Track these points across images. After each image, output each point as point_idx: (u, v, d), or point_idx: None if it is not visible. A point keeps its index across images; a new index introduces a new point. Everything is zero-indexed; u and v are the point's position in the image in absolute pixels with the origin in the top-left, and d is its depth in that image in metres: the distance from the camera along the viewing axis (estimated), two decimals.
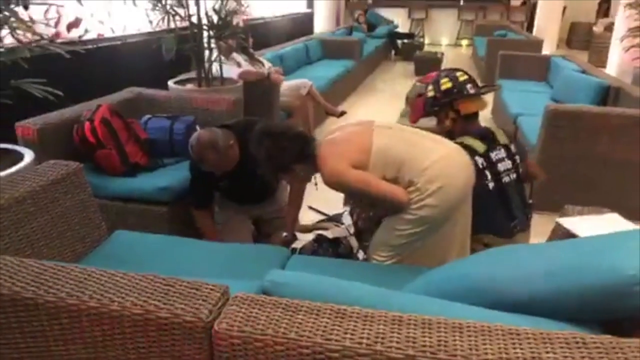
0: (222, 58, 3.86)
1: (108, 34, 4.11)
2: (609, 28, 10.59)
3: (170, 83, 3.82)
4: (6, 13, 2.18)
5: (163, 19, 3.59)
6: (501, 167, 2.14)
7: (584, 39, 11.38)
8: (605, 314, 1.07)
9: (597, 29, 11.81)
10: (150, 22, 3.93)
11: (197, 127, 3.02)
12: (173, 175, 2.67)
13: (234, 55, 4.15)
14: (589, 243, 1.15)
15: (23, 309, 1.14)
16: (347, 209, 2.59)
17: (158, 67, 3.94)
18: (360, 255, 2.32)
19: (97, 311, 1.10)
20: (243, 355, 1.00)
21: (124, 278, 1.17)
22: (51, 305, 1.12)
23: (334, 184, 1.86)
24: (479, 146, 2.13)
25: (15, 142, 2.51)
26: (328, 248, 2.38)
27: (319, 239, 2.42)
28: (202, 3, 3.67)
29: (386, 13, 12.79)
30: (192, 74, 3.96)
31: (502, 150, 2.18)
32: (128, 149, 2.71)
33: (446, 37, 13.91)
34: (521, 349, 0.93)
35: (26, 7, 2.39)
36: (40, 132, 2.49)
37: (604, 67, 5.83)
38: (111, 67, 4.01)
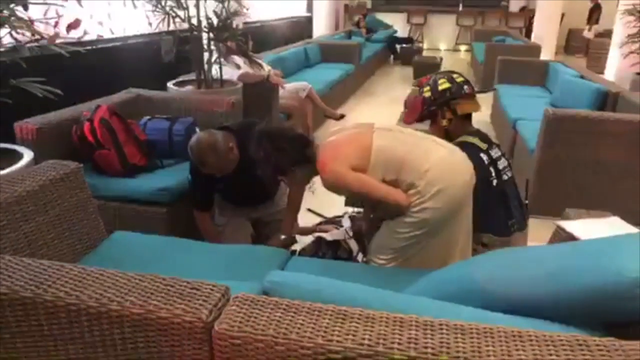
0: (222, 60, 3.86)
1: (107, 35, 4.11)
2: (601, 35, 10.69)
3: (170, 84, 3.82)
4: (6, 12, 2.18)
5: (163, 20, 3.59)
6: (500, 165, 2.18)
7: (582, 45, 11.43)
8: (607, 317, 1.06)
9: (587, 34, 11.92)
10: (150, 24, 3.93)
11: (197, 129, 3.01)
12: (172, 177, 2.67)
13: (234, 57, 4.15)
14: (590, 246, 1.15)
15: (21, 308, 1.13)
16: (348, 210, 2.59)
17: (157, 68, 3.94)
18: (360, 258, 2.31)
19: (96, 311, 1.09)
20: (243, 355, 0.99)
21: (124, 278, 1.17)
22: (50, 304, 1.11)
23: (334, 187, 1.86)
24: (482, 144, 2.18)
25: (14, 142, 2.51)
26: (327, 250, 2.37)
27: (318, 242, 2.42)
28: (202, 5, 3.68)
29: (385, 18, 12.83)
30: (192, 76, 3.96)
31: (497, 149, 2.24)
32: (127, 149, 2.70)
33: (445, 43, 13.96)
34: (524, 351, 0.92)
35: (26, 8, 2.38)
36: (39, 132, 2.48)
37: (602, 73, 5.86)
38: (110, 69, 4.00)
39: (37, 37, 2.34)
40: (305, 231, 2.62)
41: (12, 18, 2.14)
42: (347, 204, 2.31)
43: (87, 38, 3.86)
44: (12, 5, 2.17)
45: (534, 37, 8.95)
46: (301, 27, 9.35)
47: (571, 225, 1.50)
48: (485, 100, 6.05)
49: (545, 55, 7.96)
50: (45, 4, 2.91)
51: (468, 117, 2.28)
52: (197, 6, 3.63)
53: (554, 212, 3.14)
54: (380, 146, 1.84)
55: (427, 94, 2.27)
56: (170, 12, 3.58)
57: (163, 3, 3.53)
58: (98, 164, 2.65)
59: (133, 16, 4.30)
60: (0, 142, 2.48)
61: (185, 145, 2.88)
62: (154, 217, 2.53)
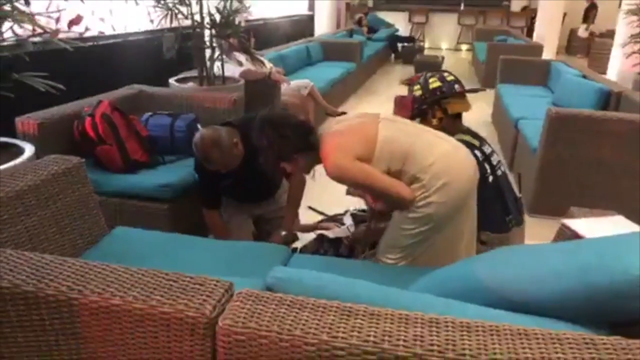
0: (224, 57, 3.85)
1: (109, 31, 4.10)
2: (603, 35, 10.69)
3: (172, 81, 3.81)
4: (7, 7, 2.17)
5: (165, 16, 3.57)
6: (494, 160, 2.19)
7: (583, 45, 11.42)
8: (613, 315, 1.06)
9: (583, 34, 11.92)
10: (152, 21, 3.92)
11: (198, 125, 3.01)
12: (174, 173, 2.66)
13: (236, 54, 4.14)
14: (596, 244, 1.14)
15: (23, 302, 1.12)
16: (349, 208, 2.58)
17: (159, 65, 3.94)
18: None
19: (98, 305, 1.08)
20: (247, 351, 0.98)
21: (126, 272, 1.16)
22: (52, 299, 1.10)
23: (337, 176, 1.82)
24: (474, 141, 2.18)
25: (15, 136, 2.50)
26: (329, 248, 2.37)
27: (320, 239, 2.41)
28: (204, 2, 3.66)
29: (386, 17, 12.82)
30: (194, 73, 3.95)
31: (488, 145, 2.24)
32: (129, 145, 2.69)
33: (446, 42, 13.94)
34: (530, 349, 0.91)
35: (27, 3, 2.37)
36: (41, 127, 2.48)
37: (604, 73, 5.85)
38: (112, 65, 3.99)
39: (39, 31, 2.33)
40: (307, 229, 2.62)
41: (15, 12, 2.13)
42: (348, 192, 2.30)
43: (88, 34, 3.85)
44: (15, 1, 2.16)
45: (535, 37, 8.94)
46: (303, 26, 9.34)
47: (576, 224, 1.49)
48: (486, 100, 6.07)
49: (547, 55, 7.95)
50: None
51: (458, 116, 2.28)
52: (199, 3, 3.62)
53: (556, 211, 3.14)
54: (385, 137, 1.81)
55: (418, 93, 2.27)
56: (173, 8, 3.56)
57: None
58: (99, 159, 2.64)
59: (135, 13, 4.29)
60: (1, 137, 2.47)
61: (187, 141, 2.89)
62: (155, 213, 2.52)
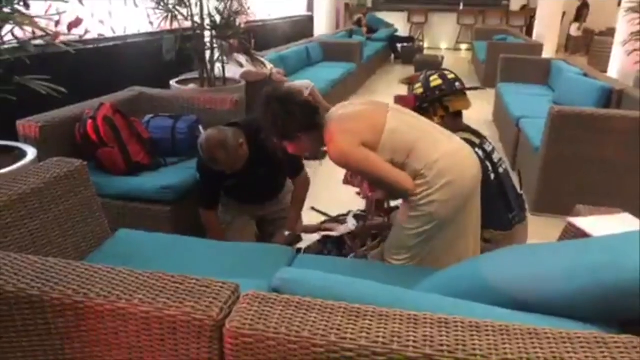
0: (225, 58, 3.84)
1: (109, 34, 4.09)
2: (603, 33, 10.70)
3: (173, 83, 3.81)
4: (8, 10, 2.16)
5: (165, 18, 3.57)
6: (495, 158, 2.19)
7: (577, 44, 11.42)
8: (624, 314, 1.05)
9: (575, 33, 11.95)
10: (151, 23, 3.91)
11: (200, 127, 3.00)
12: (176, 175, 2.65)
13: (236, 55, 4.13)
14: (606, 242, 1.13)
15: (28, 306, 1.11)
16: (352, 209, 2.57)
17: (160, 66, 3.93)
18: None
19: (103, 309, 1.07)
20: (255, 354, 0.97)
21: (132, 275, 1.15)
22: (57, 302, 1.09)
23: (339, 160, 1.80)
24: (475, 139, 2.19)
25: (17, 140, 2.49)
26: (332, 249, 2.36)
27: (324, 240, 2.40)
28: (205, 3, 3.66)
29: (386, 17, 12.81)
30: (195, 74, 3.95)
31: (489, 142, 2.24)
32: (130, 147, 2.68)
33: (445, 41, 13.94)
34: (541, 348, 0.91)
35: (27, 6, 2.36)
36: (42, 130, 2.47)
37: (604, 71, 5.84)
38: (113, 67, 3.99)
39: (39, 34, 2.32)
40: (310, 229, 2.61)
41: (16, 14, 2.12)
42: (345, 182, 2.28)
43: (88, 37, 3.84)
44: (15, 2, 2.15)
45: (535, 36, 8.93)
46: (302, 26, 9.33)
47: (582, 222, 1.48)
48: (487, 99, 6.06)
49: (547, 53, 7.94)
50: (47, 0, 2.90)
51: (459, 114, 2.28)
52: (200, 4, 3.62)
53: (559, 210, 3.13)
54: (393, 128, 1.79)
55: (420, 91, 2.27)
56: (173, 10, 3.56)
57: (166, 1, 3.50)
58: (101, 162, 2.63)
59: (134, 15, 4.29)
60: (3, 140, 2.46)
61: (189, 143, 2.89)
62: (158, 216, 2.51)
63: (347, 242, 2.36)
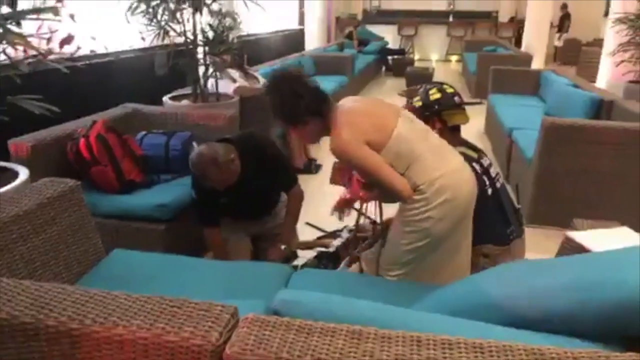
0: (218, 74, 3.84)
1: (101, 50, 4.08)
2: (591, 44, 10.86)
3: (166, 99, 3.79)
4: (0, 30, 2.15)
5: (158, 35, 3.56)
6: (492, 172, 2.19)
7: (573, 54, 11.57)
8: (627, 330, 1.04)
9: (557, 43, 12.14)
10: (143, 38, 3.90)
11: (194, 143, 2.98)
12: (170, 192, 2.63)
13: (229, 71, 4.13)
14: (607, 258, 1.13)
15: (22, 334, 1.08)
16: (348, 225, 2.56)
17: (153, 82, 3.92)
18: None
19: (100, 335, 1.05)
20: None
21: (129, 300, 1.13)
22: (52, 329, 1.07)
23: (340, 153, 1.76)
24: (472, 154, 2.19)
25: (8, 160, 2.46)
26: (328, 263, 2.35)
27: (320, 256, 2.39)
28: (197, 19, 3.66)
29: (376, 30, 12.91)
30: (188, 90, 3.94)
31: (486, 157, 2.24)
32: (124, 165, 2.66)
33: (436, 53, 14.07)
34: None
35: (19, 24, 2.35)
36: (34, 150, 2.44)
37: (593, 81, 5.91)
38: (105, 84, 3.97)
39: (32, 53, 2.31)
40: (306, 245, 2.59)
41: (7, 33, 2.11)
42: (332, 181, 2.26)
43: (80, 53, 3.82)
44: (7, 22, 2.13)
45: (524, 47, 9.04)
46: (294, 40, 9.38)
47: (581, 236, 1.48)
48: (478, 111, 6.09)
49: (536, 64, 8.03)
50: (39, 19, 2.88)
51: (457, 128, 2.29)
52: (193, 20, 3.62)
53: (553, 221, 3.14)
54: (400, 134, 1.76)
55: (418, 104, 2.27)
56: (165, 26, 3.56)
57: (159, 17, 3.50)
58: (94, 180, 2.61)
59: (126, 31, 4.28)
60: None
61: (183, 160, 2.87)
62: (152, 234, 2.49)
63: (341, 255, 2.35)
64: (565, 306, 1.07)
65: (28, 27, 2.57)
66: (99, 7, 4.00)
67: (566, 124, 3.18)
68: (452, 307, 1.25)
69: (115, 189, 2.61)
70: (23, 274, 1.60)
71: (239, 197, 2.33)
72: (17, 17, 2.24)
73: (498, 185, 2.17)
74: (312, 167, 4.55)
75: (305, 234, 2.92)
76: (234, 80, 4.06)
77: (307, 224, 3.12)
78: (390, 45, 12.43)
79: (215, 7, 3.72)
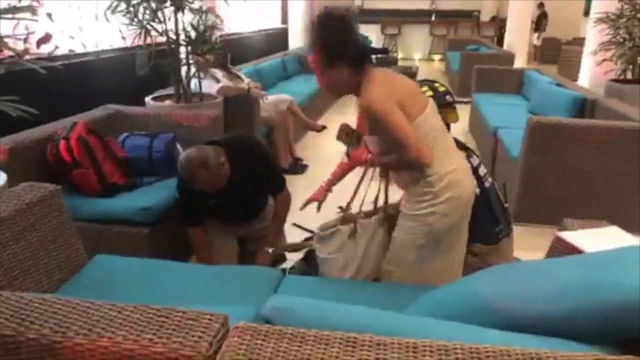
0: (201, 74, 3.78)
1: (79, 50, 3.99)
2: (570, 42, 11.02)
3: (148, 99, 3.72)
4: None
5: (139, 34, 3.49)
6: (481, 172, 2.18)
7: (552, 53, 11.73)
8: (623, 333, 1.03)
9: (536, 42, 12.32)
10: (124, 38, 3.83)
11: (177, 145, 2.93)
12: (153, 195, 2.57)
13: (212, 70, 4.07)
14: (601, 259, 1.12)
15: (2, 347, 1.04)
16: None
17: (135, 83, 3.84)
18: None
19: (84, 348, 1.01)
20: None
21: (113, 310, 1.09)
22: (33, 342, 1.02)
23: (369, 107, 1.70)
24: (462, 153, 2.15)
25: None
26: (317, 267, 2.31)
27: (307, 258, 2.36)
28: (179, 18, 3.60)
29: (360, 29, 12.86)
30: (170, 90, 3.87)
31: (475, 156, 2.24)
32: (106, 168, 2.60)
33: (419, 52, 14.13)
34: None
35: None
36: (12, 153, 2.36)
37: (574, 80, 5.98)
38: (85, 84, 3.88)
39: (8, 54, 2.23)
40: (293, 247, 2.56)
41: None
42: (339, 137, 2.19)
43: (58, 53, 3.73)
44: None
45: (506, 46, 9.12)
46: (277, 39, 9.32)
47: (571, 236, 1.48)
48: (463, 109, 6.12)
49: (518, 63, 8.11)
50: (15, 19, 2.80)
51: (447, 126, 2.27)
52: (175, 19, 3.55)
53: (539, 219, 3.16)
54: (431, 117, 1.76)
55: None
56: (147, 25, 3.49)
57: (140, 17, 3.43)
58: (75, 184, 2.54)
59: (106, 30, 4.19)
60: None
61: (166, 162, 2.82)
62: (136, 238, 2.43)
63: None
64: (561, 309, 1.05)
65: (4, 26, 2.50)
66: (77, 6, 3.91)
67: (551, 122, 3.20)
68: (447, 310, 1.24)
69: (97, 192, 2.55)
70: (2, 283, 1.54)
71: (227, 199, 2.29)
72: None
73: (487, 184, 2.17)
74: (297, 167, 4.52)
75: (292, 235, 2.88)
76: (218, 80, 4.01)
77: (294, 225, 3.09)
78: (374, 45, 12.44)
79: (196, 5, 3.66)
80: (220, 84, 4.03)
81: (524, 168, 3.28)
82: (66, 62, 3.69)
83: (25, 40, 3.33)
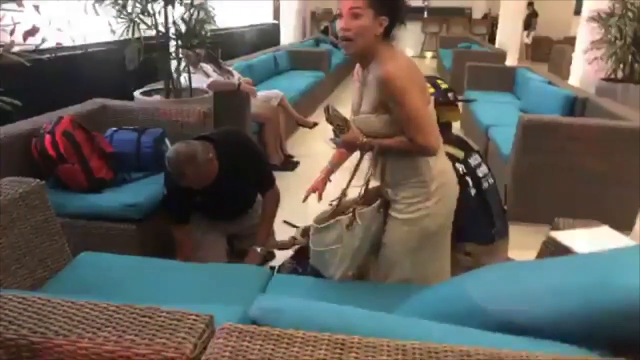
0: (191, 68, 3.73)
1: (67, 42, 3.93)
2: (561, 41, 11.09)
3: (137, 94, 3.67)
4: None
5: (128, 27, 3.44)
6: (480, 172, 2.16)
7: (543, 51, 11.79)
8: (615, 335, 1.02)
9: (526, 40, 12.39)
10: (113, 31, 3.76)
11: (166, 140, 2.89)
12: (141, 191, 2.53)
13: (202, 65, 4.03)
14: (594, 260, 1.11)
15: None
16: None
17: (123, 77, 3.79)
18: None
19: (64, 349, 0.98)
20: None
21: (95, 309, 1.05)
22: (11, 343, 0.99)
23: (389, 81, 1.63)
24: (458, 153, 2.14)
25: None
26: (306, 265, 2.29)
27: (297, 256, 2.34)
28: (169, 11, 3.55)
29: None
30: (160, 85, 3.82)
31: (477, 155, 2.21)
32: (92, 163, 2.55)
33: (411, 49, 14.13)
34: None
35: None
36: None
37: (565, 79, 6.00)
38: (72, 78, 3.82)
39: None
40: (282, 245, 2.53)
41: None
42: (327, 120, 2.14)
43: (45, 45, 3.67)
44: None
45: (497, 44, 9.14)
46: (269, 35, 9.27)
47: (563, 236, 1.47)
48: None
49: (509, 61, 8.13)
50: (1, 9, 2.74)
51: (449, 124, 2.24)
52: (165, 12, 3.50)
53: (530, 218, 3.16)
54: (431, 112, 1.77)
55: None
56: (136, 18, 3.43)
57: (129, 9, 3.38)
58: (61, 179, 2.49)
59: (94, 23, 4.13)
60: None
61: (154, 157, 2.78)
62: (123, 235, 2.39)
63: None
64: (552, 310, 1.04)
65: None
66: None
67: (543, 121, 3.20)
68: (437, 311, 1.22)
69: (84, 188, 2.51)
70: None
71: (214, 196, 2.26)
72: None
73: (485, 185, 2.14)
74: (288, 164, 4.49)
75: (281, 232, 2.86)
76: (208, 75, 3.96)
77: (284, 222, 3.06)
78: None
79: None
80: (211, 79, 3.99)
81: (515, 166, 3.27)
82: (54, 55, 3.63)
83: (11, 33, 3.27)
